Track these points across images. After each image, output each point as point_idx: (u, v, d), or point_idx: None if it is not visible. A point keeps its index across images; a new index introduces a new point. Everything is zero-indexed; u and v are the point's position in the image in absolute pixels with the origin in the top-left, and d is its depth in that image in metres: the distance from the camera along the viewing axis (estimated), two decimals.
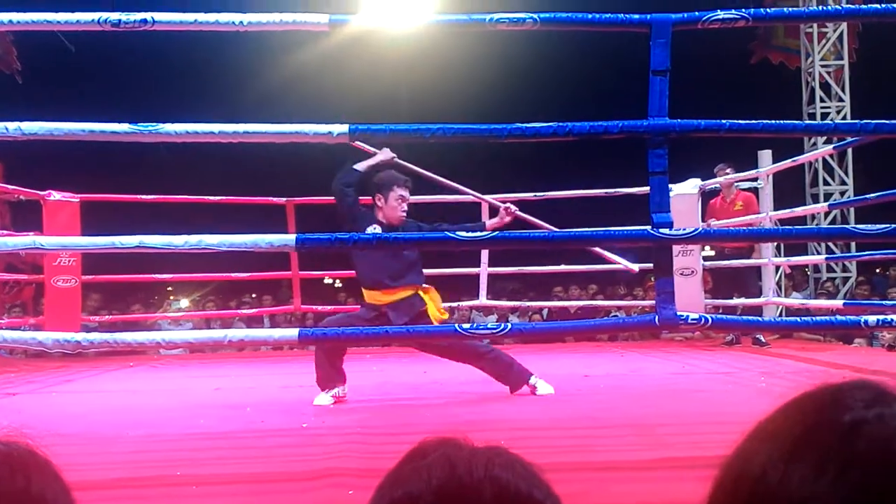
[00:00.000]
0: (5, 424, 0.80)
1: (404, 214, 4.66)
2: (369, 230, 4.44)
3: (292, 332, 3.06)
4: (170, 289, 15.81)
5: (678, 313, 3.28)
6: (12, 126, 2.91)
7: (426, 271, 9.08)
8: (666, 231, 3.21)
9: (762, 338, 7.71)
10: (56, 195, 7.60)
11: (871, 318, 3.42)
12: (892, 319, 3.42)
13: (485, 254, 8.30)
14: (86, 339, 2.95)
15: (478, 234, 3.09)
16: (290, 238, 3.07)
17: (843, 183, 10.89)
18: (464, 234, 3.07)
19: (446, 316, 4.84)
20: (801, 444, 0.58)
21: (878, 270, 11.66)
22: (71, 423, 4.08)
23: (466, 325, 3.29)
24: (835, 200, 10.36)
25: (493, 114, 8.13)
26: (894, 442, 0.54)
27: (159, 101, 12.05)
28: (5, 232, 7.41)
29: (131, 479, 2.86)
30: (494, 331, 3.16)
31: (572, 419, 4.09)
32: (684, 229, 3.44)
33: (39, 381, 6.11)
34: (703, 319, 3.35)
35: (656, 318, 3.29)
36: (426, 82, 13.58)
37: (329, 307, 9.83)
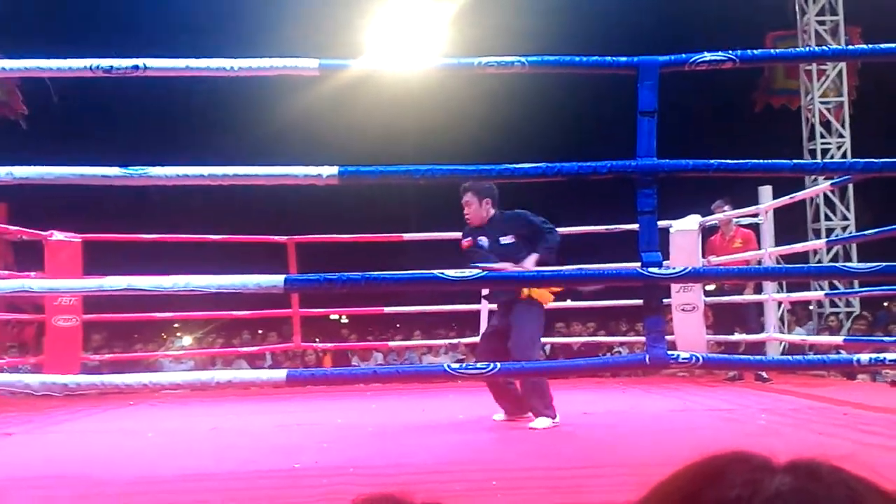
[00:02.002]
0: None
1: (468, 218, 5.21)
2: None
3: (280, 374, 3.06)
4: (177, 325, 15.85)
5: (668, 352, 3.28)
6: (3, 171, 2.95)
7: (428, 308, 9.20)
8: (654, 270, 3.22)
9: (765, 374, 7.66)
10: (58, 235, 7.65)
11: (864, 357, 3.41)
12: (884, 358, 3.40)
13: (485, 290, 8.29)
14: (73, 381, 2.95)
15: (466, 273, 3.10)
16: (278, 279, 3.08)
17: (845, 218, 10.88)
18: (452, 273, 3.08)
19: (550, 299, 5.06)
20: None
21: (885, 304, 11.60)
22: (63, 464, 4.06)
23: (455, 365, 3.29)
24: (836, 236, 10.35)
25: (505, 152, 8.19)
26: None
27: (166, 146, 12.16)
28: (7, 272, 7.45)
29: None
30: (483, 370, 3.15)
31: (567, 459, 4.05)
32: (673, 268, 3.45)
33: (37, 421, 6.11)
34: (693, 358, 3.34)
35: (647, 357, 3.29)
36: (435, 122, 13.70)
37: (330, 344, 9.85)
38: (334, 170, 3.16)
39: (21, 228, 7.74)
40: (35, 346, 8.56)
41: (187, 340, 12.05)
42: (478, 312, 8.75)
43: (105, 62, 2.99)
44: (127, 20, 12.04)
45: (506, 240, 5.00)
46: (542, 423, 4.90)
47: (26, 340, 8.71)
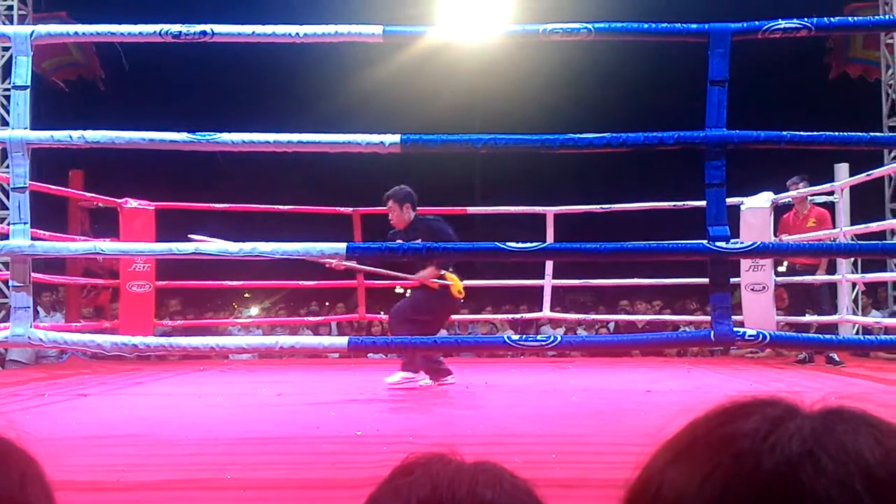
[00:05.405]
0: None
1: (392, 222, 5.79)
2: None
3: (342, 341, 3.09)
4: (247, 295, 16.16)
5: (734, 329, 3.21)
6: (76, 134, 3.03)
7: (492, 282, 9.19)
8: (722, 245, 3.14)
9: (836, 356, 7.45)
10: (132, 203, 7.86)
11: None
12: None
13: (549, 265, 8.25)
14: (142, 342, 3.04)
15: (527, 245, 3.08)
16: (340, 246, 3.11)
17: None
18: (513, 245, 3.06)
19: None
20: (682, 451, 0.59)
21: None
22: (135, 425, 4.19)
23: (515, 336, 3.28)
24: None
25: (571, 124, 8.08)
26: (763, 458, 0.54)
27: (238, 118, 12.35)
28: (83, 238, 7.69)
29: (182, 481, 2.92)
30: (543, 343, 3.13)
31: (628, 434, 4.01)
32: (742, 243, 3.36)
33: (111, 383, 6.31)
34: (760, 336, 3.26)
35: (711, 333, 3.22)
36: (501, 93, 13.61)
37: None
38: (396, 138, 3.16)
39: (97, 196, 7.97)
40: (110, 311, 8.84)
41: (254, 311, 12.29)
42: (541, 287, 8.72)
43: (174, 27, 3.03)
44: None
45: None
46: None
47: (101, 305, 8.99)
